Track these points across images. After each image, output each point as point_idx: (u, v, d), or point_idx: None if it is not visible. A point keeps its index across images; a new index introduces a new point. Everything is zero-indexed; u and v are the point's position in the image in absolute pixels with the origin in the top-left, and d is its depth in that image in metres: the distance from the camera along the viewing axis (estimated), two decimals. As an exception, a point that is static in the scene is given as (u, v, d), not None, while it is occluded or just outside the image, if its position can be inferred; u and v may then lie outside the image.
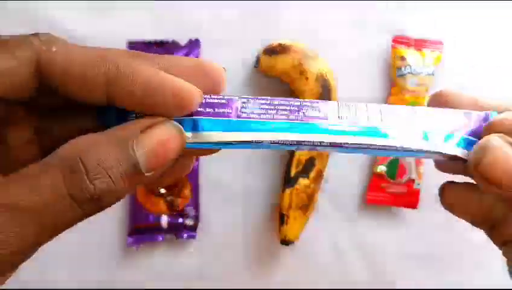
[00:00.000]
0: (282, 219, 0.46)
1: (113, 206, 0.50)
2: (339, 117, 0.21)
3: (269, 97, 0.21)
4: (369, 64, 0.49)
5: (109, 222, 0.48)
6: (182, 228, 0.47)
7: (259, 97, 0.21)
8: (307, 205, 0.46)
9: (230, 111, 0.20)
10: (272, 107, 0.20)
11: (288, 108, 0.20)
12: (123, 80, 0.16)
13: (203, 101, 0.19)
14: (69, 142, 0.16)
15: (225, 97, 0.20)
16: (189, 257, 0.49)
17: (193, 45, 0.47)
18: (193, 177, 0.48)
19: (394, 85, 0.48)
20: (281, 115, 0.20)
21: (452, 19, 0.49)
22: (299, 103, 0.21)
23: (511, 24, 0.50)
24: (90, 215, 0.16)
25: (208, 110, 0.20)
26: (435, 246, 0.50)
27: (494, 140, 0.18)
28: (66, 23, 0.46)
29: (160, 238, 0.47)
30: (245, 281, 0.49)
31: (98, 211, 0.16)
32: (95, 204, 0.16)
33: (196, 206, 0.48)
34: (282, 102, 0.21)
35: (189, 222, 0.47)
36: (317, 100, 0.21)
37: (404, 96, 0.48)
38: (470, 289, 0.49)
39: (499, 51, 0.50)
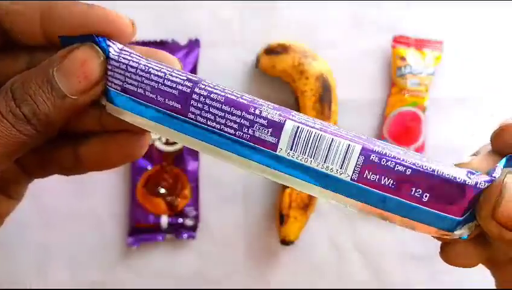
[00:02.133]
0: (282, 219, 0.46)
1: (113, 206, 0.50)
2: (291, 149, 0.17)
3: (233, 98, 0.18)
4: (369, 64, 0.49)
5: (109, 222, 0.48)
6: (182, 228, 0.47)
7: (218, 91, 0.18)
8: (307, 205, 0.46)
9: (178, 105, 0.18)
10: (222, 114, 0.18)
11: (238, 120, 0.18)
12: (55, 13, 0.18)
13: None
14: (10, 80, 0.18)
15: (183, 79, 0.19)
16: (189, 257, 0.49)
17: (193, 45, 0.47)
18: (193, 177, 0.48)
19: (394, 85, 0.48)
20: (229, 127, 0.18)
21: (452, 18, 0.49)
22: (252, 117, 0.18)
23: (511, 24, 0.50)
24: (32, 136, 0.18)
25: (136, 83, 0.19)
26: (435, 246, 0.50)
27: (510, 178, 0.16)
28: (66, 23, 0.46)
29: (160, 238, 0.47)
30: (245, 281, 0.49)
31: (37, 133, 0.18)
32: (27, 125, 0.18)
33: (196, 206, 0.48)
34: (234, 110, 0.18)
35: (189, 222, 0.47)
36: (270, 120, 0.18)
37: (404, 96, 0.48)
38: (470, 289, 0.49)
39: (499, 51, 0.50)
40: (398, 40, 0.48)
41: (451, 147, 0.49)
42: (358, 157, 0.17)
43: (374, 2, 0.49)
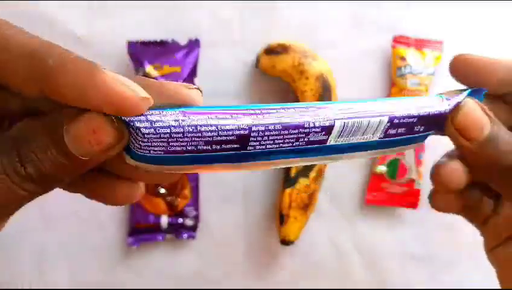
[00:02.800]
0: (282, 219, 0.46)
1: (113, 206, 0.50)
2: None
3: (288, 121, 0.19)
4: (369, 64, 0.49)
5: (109, 222, 0.48)
6: (182, 228, 0.47)
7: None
8: (307, 205, 0.46)
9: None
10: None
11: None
12: (52, 77, 0.16)
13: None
14: (12, 128, 0.18)
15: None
16: (189, 257, 0.49)
17: (193, 45, 0.47)
18: (193, 177, 0.48)
19: (394, 85, 0.48)
20: (286, 143, 0.20)
21: (452, 18, 0.49)
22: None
23: (511, 24, 0.50)
24: (38, 194, 0.18)
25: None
26: (435, 246, 0.50)
27: (468, 100, 0.22)
28: (66, 23, 0.46)
29: (160, 238, 0.47)
30: (245, 281, 0.49)
31: (44, 192, 0.18)
32: (35, 185, 0.17)
33: (196, 206, 0.48)
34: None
35: (189, 222, 0.47)
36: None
37: (404, 96, 0.48)
38: (470, 289, 0.49)
39: (499, 51, 0.50)
40: (398, 40, 0.48)
41: (451, 147, 0.49)
42: (386, 124, 0.21)
43: (374, 2, 0.49)
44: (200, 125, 0.18)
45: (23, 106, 0.19)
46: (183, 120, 0.18)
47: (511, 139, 0.21)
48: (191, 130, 0.18)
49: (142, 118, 0.17)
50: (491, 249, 0.25)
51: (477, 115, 0.22)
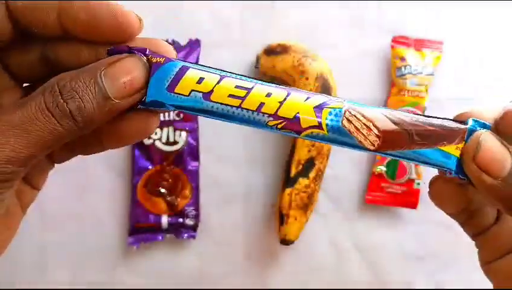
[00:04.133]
0: (282, 219, 0.46)
1: (113, 206, 0.50)
2: None
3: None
4: (369, 64, 0.49)
5: (109, 221, 0.48)
6: (182, 228, 0.47)
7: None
8: (307, 205, 0.46)
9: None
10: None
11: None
12: (68, 7, 0.19)
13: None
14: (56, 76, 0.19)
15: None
16: (189, 257, 0.49)
17: (193, 45, 0.47)
18: (193, 177, 0.48)
19: (394, 85, 0.48)
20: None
21: (452, 19, 0.49)
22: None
23: (511, 24, 0.50)
24: (72, 132, 0.19)
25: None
26: (435, 245, 0.50)
27: (485, 134, 0.21)
28: (66, 23, 0.46)
29: (160, 238, 0.47)
30: (245, 281, 0.49)
31: (78, 130, 0.19)
32: (70, 120, 0.19)
33: (196, 206, 0.48)
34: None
35: (189, 222, 0.47)
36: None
37: (404, 96, 0.48)
38: (469, 289, 0.49)
39: (499, 51, 0.50)
40: (398, 41, 0.48)
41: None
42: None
43: (374, 2, 0.49)
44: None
45: (43, 55, 0.21)
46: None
47: None
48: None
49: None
50: (488, 261, 0.24)
51: (499, 149, 0.20)
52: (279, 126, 0.20)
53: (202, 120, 0.48)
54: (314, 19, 0.48)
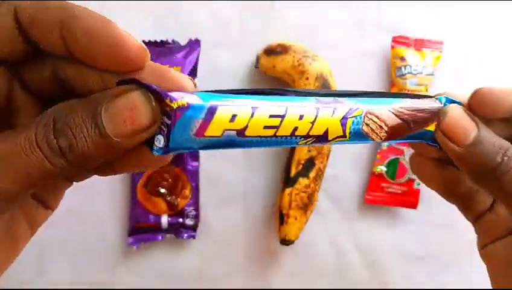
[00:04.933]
0: (282, 219, 0.46)
1: (113, 206, 0.50)
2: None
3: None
4: (369, 64, 0.49)
5: (109, 221, 0.48)
6: (182, 228, 0.47)
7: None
8: (306, 205, 0.46)
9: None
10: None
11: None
12: (69, 24, 0.18)
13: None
14: (54, 106, 0.18)
15: None
16: (189, 257, 0.49)
17: (193, 45, 0.47)
18: (193, 177, 0.48)
19: (394, 85, 0.48)
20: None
21: (452, 19, 0.49)
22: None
23: (511, 24, 0.50)
24: (64, 169, 0.18)
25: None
26: (435, 246, 0.50)
27: (452, 106, 0.23)
28: (66, 23, 0.46)
29: (160, 238, 0.47)
30: (245, 281, 0.49)
31: (70, 167, 0.18)
32: (61, 159, 0.17)
33: (196, 206, 0.48)
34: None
35: (189, 222, 0.47)
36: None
37: (404, 96, 0.48)
38: (469, 289, 0.49)
39: (499, 51, 0.50)
40: (398, 41, 0.48)
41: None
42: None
43: (374, 2, 0.49)
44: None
45: (54, 74, 0.20)
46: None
47: (497, 141, 0.22)
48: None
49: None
50: (483, 246, 0.25)
51: (464, 118, 0.22)
52: (309, 143, 0.20)
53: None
54: (314, 19, 0.48)
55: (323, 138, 0.21)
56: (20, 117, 0.20)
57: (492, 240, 0.25)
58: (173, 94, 0.18)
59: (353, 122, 0.21)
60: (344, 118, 0.21)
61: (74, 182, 0.24)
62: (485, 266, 0.25)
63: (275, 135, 0.19)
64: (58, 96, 0.20)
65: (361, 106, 0.21)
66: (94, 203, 0.48)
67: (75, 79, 0.19)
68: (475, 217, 0.26)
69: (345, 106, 0.21)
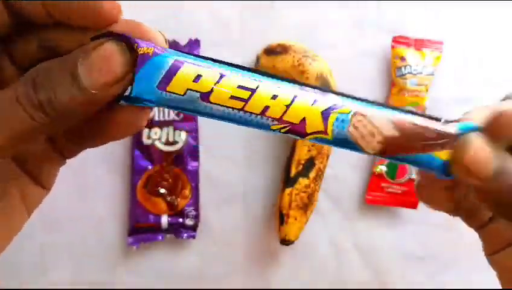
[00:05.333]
0: (282, 219, 0.46)
1: (113, 206, 0.50)
2: None
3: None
4: (369, 64, 0.49)
5: (109, 221, 0.48)
6: (182, 228, 0.47)
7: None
8: (306, 205, 0.46)
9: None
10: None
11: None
12: None
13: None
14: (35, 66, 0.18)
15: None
16: (189, 257, 0.49)
17: (193, 45, 0.47)
18: (193, 177, 0.48)
19: (394, 85, 0.48)
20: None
21: (452, 19, 0.49)
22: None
23: (511, 24, 0.50)
24: (45, 125, 0.18)
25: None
26: (435, 246, 0.50)
27: (474, 136, 0.20)
28: (66, 23, 0.46)
29: (160, 238, 0.47)
30: (245, 281, 0.49)
31: (51, 123, 0.18)
32: (41, 112, 0.18)
33: (196, 206, 0.48)
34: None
35: (189, 222, 0.47)
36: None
37: (404, 96, 0.48)
38: (469, 289, 0.49)
39: (499, 51, 0.50)
40: (398, 40, 0.48)
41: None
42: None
43: (374, 2, 0.49)
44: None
45: (40, 45, 0.20)
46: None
47: None
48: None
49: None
50: (490, 254, 0.25)
51: (485, 149, 0.20)
52: (283, 130, 0.19)
53: (202, 120, 0.48)
54: (314, 19, 0.48)
55: (300, 129, 0.19)
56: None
57: (496, 250, 0.24)
58: (142, 42, 0.18)
59: (337, 118, 0.19)
60: (326, 110, 0.19)
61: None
62: (494, 271, 0.25)
63: (242, 109, 0.18)
64: None
65: (350, 105, 0.19)
66: (94, 203, 0.48)
67: (60, 46, 0.20)
68: (478, 226, 0.25)
69: (330, 98, 0.19)
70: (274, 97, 0.19)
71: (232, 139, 0.48)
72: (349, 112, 0.19)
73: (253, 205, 0.49)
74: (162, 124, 0.47)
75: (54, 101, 0.18)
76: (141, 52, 0.18)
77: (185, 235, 0.47)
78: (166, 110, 0.47)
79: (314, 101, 0.19)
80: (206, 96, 0.18)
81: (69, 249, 0.48)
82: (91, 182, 0.48)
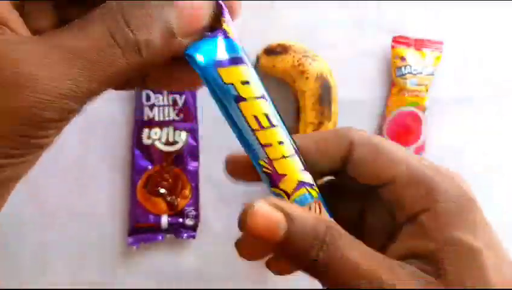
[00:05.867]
0: (282, 219, 0.46)
1: (113, 206, 0.50)
2: None
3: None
4: (369, 64, 0.49)
5: (109, 221, 0.48)
6: (182, 228, 0.47)
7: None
8: (306, 205, 0.46)
9: None
10: None
11: None
12: None
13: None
14: (108, 1, 0.17)
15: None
16: (189, 257, 0.49)
17: (193, 45, 0.47)
18: (193, 177, 0.48)
19: (394, 85, 0.48)
20: None
21: (452, 19, 0.49)
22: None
23: (511, 24, 0.50)
24: (134, 67, 0.17)
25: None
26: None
27: (257, 202, 0.19)
28: (66, 23, 0.46)
29: (160, 238, 0.47)
30: (245, 281, 0.49)
31: (140, 66, 0.17)
32: (136, 54, 0.17)
33: (196, 206, 0.48)
34: None
35: (189, 222, 0.47)
36: None
37: (404, 96, 0.48)
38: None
39: (499, 51, 0.50)
40: (398, 40, 0.48)
41: (451, 147, 0.49)
42: None
43: (374, 2, 0.49)
44: None
45: (60, 19, 0.19)
46: None
47: (311, 230, 0.19)
48: None
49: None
50: None
51: (270, 213, 0.19)
52: (264, 170, 0.21)
53: (202, 120, 0.48)
54: (314, 19, 0.48)
55: (276, 179, 0.20)
56: (41, 21, 0.19)
57: None
58: (226, 13, 0.19)
59: (304, 194, 0.21)
60: (303, 183, 0.21)
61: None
62: None
63: (253, 131, 0.20)
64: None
65: (319, 196, 0.21)
66: (94, 203, 0.48)
67: None
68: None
69: (309, 177, 0.21)
70: (280, 143, 0.20)
71: (232, 139, 0.48)
72: (314, 198, 0.21)
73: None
74: (162, 124, 0.47)
75: (151, 44, 0.17)
76: (224, 26, 0.19)
77: (185, 235, 0.47)
78: (166, 110, 0.47)
79: (301, 169, 0.21)
80: (240, 100, 0.19)
81: (69, 249, 0.47)
82: (91, 182, 0.48)
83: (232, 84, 0.19)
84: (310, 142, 0.21)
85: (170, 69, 0.20)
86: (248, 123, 0.20)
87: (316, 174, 0.21)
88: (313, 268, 0.19)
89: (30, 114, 0.15)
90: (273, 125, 0.20)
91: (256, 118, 0.20)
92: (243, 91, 0.19)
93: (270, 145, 0.20)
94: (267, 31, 0.48)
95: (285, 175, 0.20)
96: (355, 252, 0.18)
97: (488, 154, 0.49)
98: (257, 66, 0.46)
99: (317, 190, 0.21)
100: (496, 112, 0.49)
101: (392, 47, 0.48)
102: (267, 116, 0.20)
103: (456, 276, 0.18)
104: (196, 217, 0.48)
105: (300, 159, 0.21)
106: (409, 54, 0.48)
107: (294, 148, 0.21)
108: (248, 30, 0.48)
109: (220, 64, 0.19)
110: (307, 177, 0.21)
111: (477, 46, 0.49)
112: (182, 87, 0.22)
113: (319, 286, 0.22)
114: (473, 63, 0.49)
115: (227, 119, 0.20)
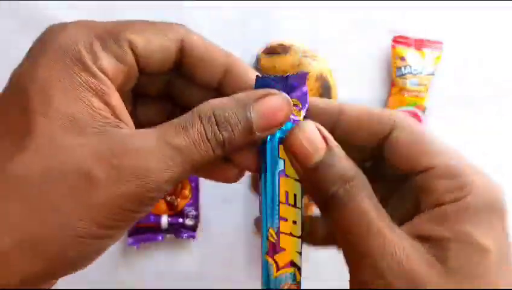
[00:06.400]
0: (282, 219, 0.46)
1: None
2: None
3: None
4: (369, 64, 0.49)
5: (109, 222, 0.48)
6: (182, 228, 0.47)
7: None
8: (306, 205, 0.46)
9: None
10: None
11: None
12: (235, 71, 0.23)
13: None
14: (204, 103, 0.20)
15: None
16: (189, 257, 0.49)
17: (193, 45, 0.47)
18: (193, 177, 0.48)
19: (394, 85, 0.48)
20: None
21: (452, 19, 0.49)
22: None
23: (511, 24, 0.50)
24: (216, 158, 0.20)
25: None
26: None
27: (304, 121, 0.22)
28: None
29: (160, 238, 0.47)
30: (245, 281, 0.49)
31: (221, 156, 0.21)
32: (221, 149, 0.20)
33: (196, 206, 0.48)
34: None
35: (189, 222, 0.47)
36: None
37: (404, 96, 0.48)
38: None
39: (499, 51, 0.50)
40: (398, 40, 0.48)
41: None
42: None
43: (374, 2, 0.49)
44: None
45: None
46: None
47: (341, 169, 0.20)
48: None
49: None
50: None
51: (312, 137, 0.21)
52: (270, 238, 0.23)
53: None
54: (315, 18, 0.48)
55: (273, 250, 0.24)
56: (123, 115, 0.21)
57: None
58: (305, 113, 0.22)
59: (290, 273, 0.25)
60: (294, 264, 0.25)
61: None
62: None
63: (279, 203, 0.23)
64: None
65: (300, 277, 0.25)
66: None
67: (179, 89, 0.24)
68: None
69: (300, 261, 0.25)
70: (294, 222, 0.24)
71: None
72: (297, 281, 0.26)
73: (253, 205, 0.49)
74: (162, 124, 0.47)
75: (233, 141, 0.20)
76: (301, 119, 0.22)
77: (185, 235, 0.47)
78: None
79: (298, 251, 0.25)
80: (283, 175, 0.23)
81: (69, 249, 0.47)
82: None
83: (284, 160, 0.22)
84: (354, 113, 0.23)
85: (220, 162, 0.23)
86: (279, 194, 0.23)
87: (352, 150, 0.22)
88: (327, 202, 0.21)
89: (142, 197, 0.19)
90: (296, 206, 0.23)
91: (287, 193, 0.23)
92: (289, 170, 0.22)
93: (286, 219, 0.23)
94: (267, 31, 0.48)
95: (284, 250, 0.24)
96: (371, 205, 0.20)
97: (488, 154, 0.49)
98: (257, 66, 0.46)
99: (301, 275, 0.25)
100: (496, 112, 0.50)
101: (392, 47, 0.48)
102: (295, 196, 0.23)
103: (459, 268, 0.19)
104: (196, 217, 0.48)
105: (301, 243, 0.24)
106: (409, 54, 0.48)
107: (301, 234, 0.24)
108: (248, 30, 0.48)
109: (282, 140, 0.22)
110: (299, 261, 0.25)
111: (477, 46, 0.50)
112: (220, 179, 0.25)
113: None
114: (473, 63, 0.49)
115: (260, 181, 0.23)
